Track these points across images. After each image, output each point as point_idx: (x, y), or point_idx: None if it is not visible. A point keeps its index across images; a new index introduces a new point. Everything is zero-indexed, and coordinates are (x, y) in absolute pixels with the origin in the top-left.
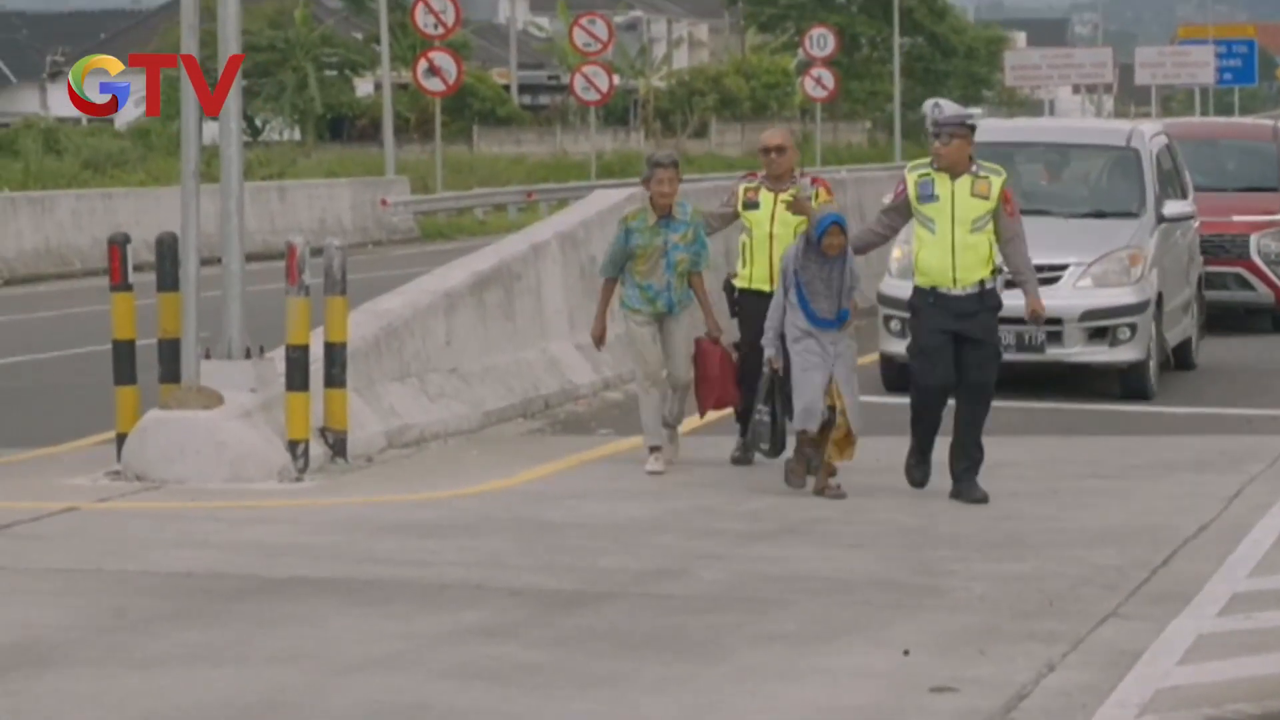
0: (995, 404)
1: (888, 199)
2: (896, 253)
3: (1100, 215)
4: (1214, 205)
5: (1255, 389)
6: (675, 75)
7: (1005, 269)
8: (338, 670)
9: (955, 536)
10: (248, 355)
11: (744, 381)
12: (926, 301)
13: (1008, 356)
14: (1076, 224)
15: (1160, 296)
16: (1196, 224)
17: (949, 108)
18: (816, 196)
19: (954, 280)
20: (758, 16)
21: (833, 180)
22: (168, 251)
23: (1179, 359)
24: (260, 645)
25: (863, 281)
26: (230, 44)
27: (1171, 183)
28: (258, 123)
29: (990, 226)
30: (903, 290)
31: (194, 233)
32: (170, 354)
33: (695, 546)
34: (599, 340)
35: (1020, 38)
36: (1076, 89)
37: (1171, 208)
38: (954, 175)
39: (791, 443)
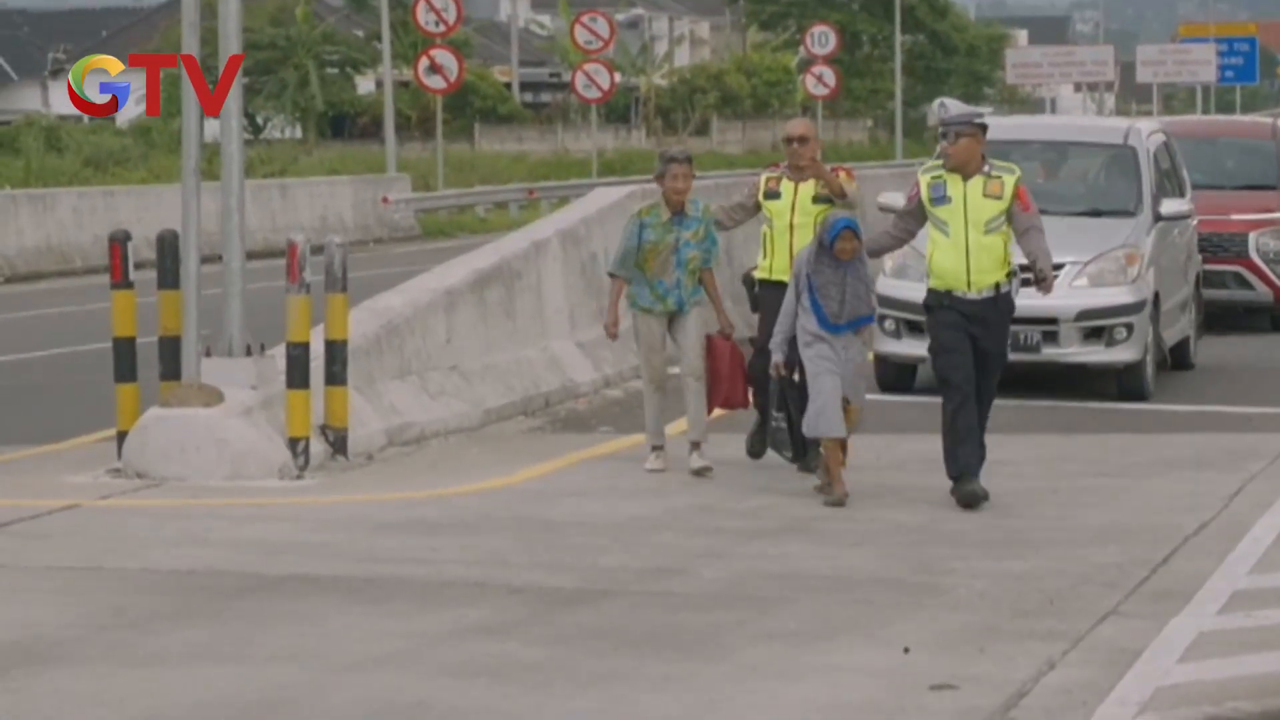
0: (995, 402)
1: (884, 198)
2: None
3: (1097, 214)
4: (1213, 203)
5: (1255, 387)
6: (677, 73)
7: (1019, 271)
8: (338, 668)
9: (955, 535)
10: (248, 353)
11: (762, 375)
12: (941, 304)
13: None
14: (1073, 222)
15: (1157, 296)
16: (1195, 222)
17: (955, 107)
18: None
19: (968, 283)
20: (759, 14)
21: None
22: (168, 249)
23: (1177, 359)
24: (260, 643)
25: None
26: (231, 43)
27: (1169, 181)
28: (259, 120)
29: (1005, 227)
30: (898, 290)
31: (195, 230)
32: (171, 351)
33: (695, 545)
34: (612, 329)
35: (1022, 35)
36: (1078, 87)
37: (1169, 206)
38: (966, 176)
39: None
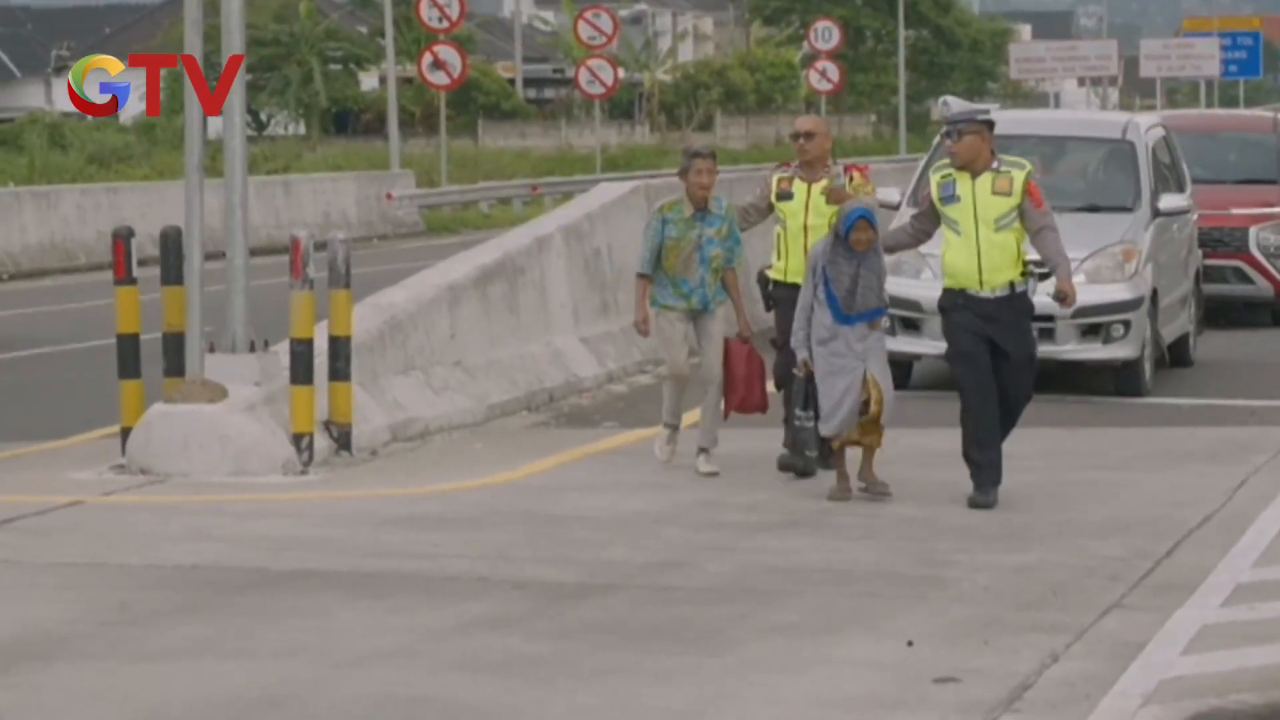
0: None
1: (879, 194)
2: None
3: (1094, 209)
4: (1213, 198)
5: (1257, 381)
6: (680, 69)
7: (1034, 270)
8: (342, 663)
9: (958, 528)
10: (252, 349)
11: (783, 376)
12: (956, 303)
13: None
14: (1070, 218)
15: (1155, 292)
16: (1194, 218)
17: (956, 104)
18: (851, 183)
19: (980, 282)
20: (762, 9)
21: (838, 173)
22: (172, 246)
23: (1176, 356)
24: (265, 639)
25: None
26: (234, 39)
27: (1168, 176)
28: (262, 117)
29: (1017, 223)
30: (893, 286)
31: (198, 227)
32: (174, 348)
33: (699, 539)
34: (644, 326)
35: (1025, 30)
36: (1081, 81)
37: (1167, 201)
38: (974, 173)
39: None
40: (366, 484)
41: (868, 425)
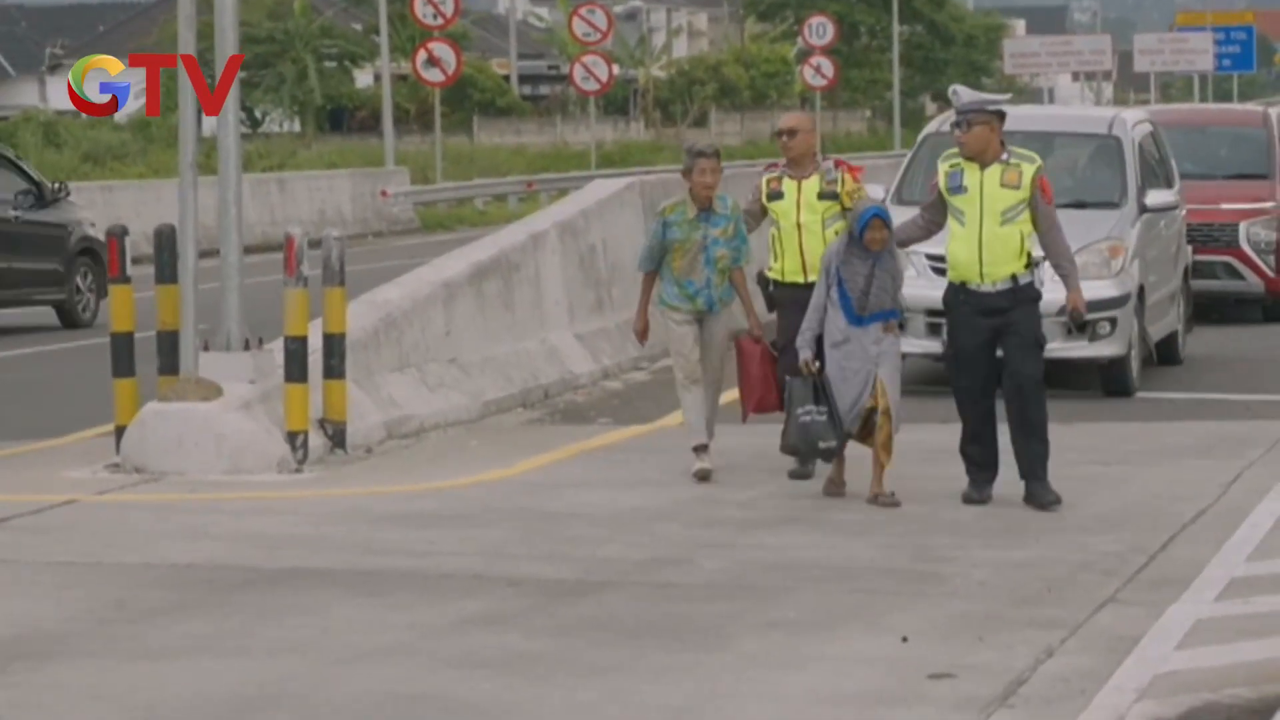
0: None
1: (874, 191)
2: None
3: (1080, 205)
4: (1203, 193)
5: (1250, 377)
6: (675, 65)
7: (1039, 262)
8: (339, 661)
9: (954, 524)
10: (246, 347)
11: (782, 377)
12: (958, 299)
13: None
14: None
15: (1142, 289)
16: (1183, 214)
17: (966, 94)
18: (841, 181)
19: (981, 275)
20: (757, 5)
21: (828, 168)
22: (166, 244)
23: (1164, 354)
24: (261, 636)
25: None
26: (228, 37)
27: (1156, 172)
28: (257, 114)
29: (1024, 217)
30: None
31: (192, 225)
32: (169, 346)
33: (696, 535)
34: (642, 334)
35: (1019, 25)
36: (1076, 76)
37: (1154, 198)
38: (983, 164)
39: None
40: (362, 481)
41: (887, 444)
